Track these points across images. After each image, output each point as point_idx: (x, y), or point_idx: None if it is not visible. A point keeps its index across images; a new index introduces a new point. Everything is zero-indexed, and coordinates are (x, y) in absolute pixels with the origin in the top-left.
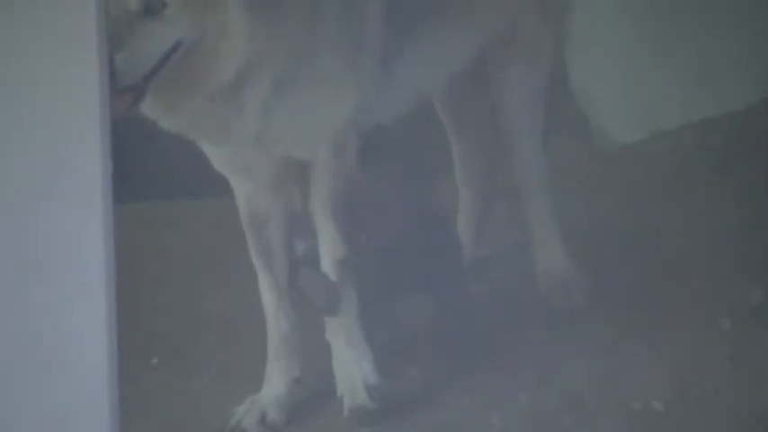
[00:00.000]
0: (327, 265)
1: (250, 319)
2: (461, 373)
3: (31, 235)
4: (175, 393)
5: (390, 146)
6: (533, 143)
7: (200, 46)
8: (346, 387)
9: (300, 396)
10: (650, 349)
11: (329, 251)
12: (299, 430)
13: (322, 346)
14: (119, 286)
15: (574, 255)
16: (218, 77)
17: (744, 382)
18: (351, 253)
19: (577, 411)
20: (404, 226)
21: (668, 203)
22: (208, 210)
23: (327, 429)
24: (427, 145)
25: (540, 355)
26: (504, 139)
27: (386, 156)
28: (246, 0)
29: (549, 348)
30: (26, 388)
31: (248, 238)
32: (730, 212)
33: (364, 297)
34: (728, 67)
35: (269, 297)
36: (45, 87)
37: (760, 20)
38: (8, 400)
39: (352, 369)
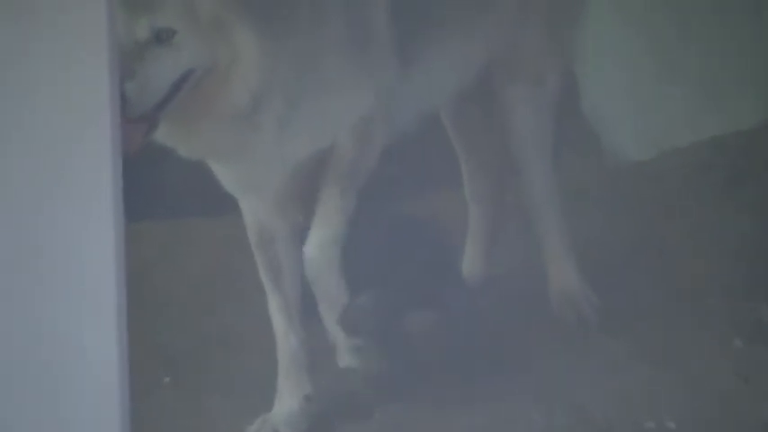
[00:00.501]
0: (313, 240)
1: (262, 336)
2: (474, 392)
3: (43, 253)
4: (187, 411)
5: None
6: (543, 162)
7: (213, 73)
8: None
9: (312, 414)
10: (663, 368)
11: (321, 227)
12: None
13: (333, 363)
14: (130, 304)
15: (585, 273)
16: (233, 103)
17: (757, 401)
18: (342, 228)
19: (590, 429)
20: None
21: (679, 221)
22: (219, 228)
23: None
24: (437, 159)
25: (553, 373)
26: (513, 157)
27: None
28: (255, 24)
29: (562, 367)
30: (37, 406)
31: (257, 257)
32: (742, 230)
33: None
34: (738, 85)
35: (278, 315)
36: (57, 105)
37: None
38: (19, 418)
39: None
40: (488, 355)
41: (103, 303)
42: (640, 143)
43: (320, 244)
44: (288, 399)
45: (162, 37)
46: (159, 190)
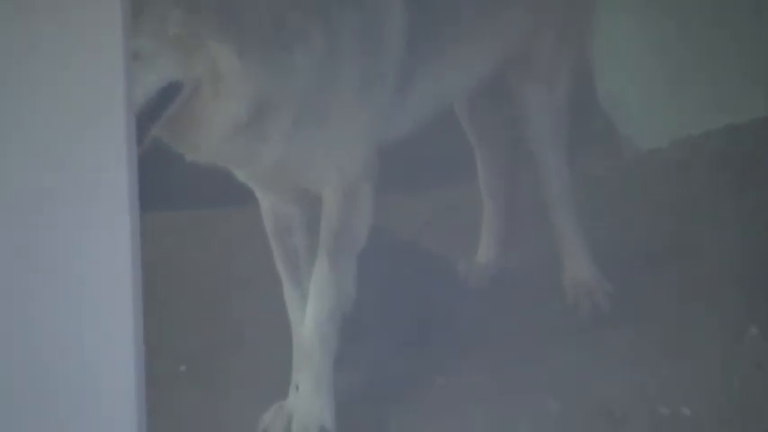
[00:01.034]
0: (308, 315)
1: (277, 326)
2: (490, 383)
3: (59, 244)
4: (203, 400)
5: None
6: (557, 157)
7: (203, 87)
8: (300, 428)
9: None
10: (678, 355)
11: (314, 301)
12: None
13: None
14: (146, 294)
15: (601, 263)
16: (230, 115)
17: None
18: (339, 300)
19: (605, 417)
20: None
21: (694, 209)
22: (236, 218)
23: None
24: (451, 153)
25: (568, 363)
26: (528, 150)
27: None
28: (236, 45)
29: (577, 356)
30: (54, 396)
31: (272, 245)
32: (757, 217)
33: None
34: (753, 73)
35: (294, 306)
36: (70, 94)
37: None
38: (35, 410)
39: (312, 416)
40: (504, 345)
41: (119, 293)
42: (653, 132)
43: (315, 321)
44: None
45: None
46: (175, 181)
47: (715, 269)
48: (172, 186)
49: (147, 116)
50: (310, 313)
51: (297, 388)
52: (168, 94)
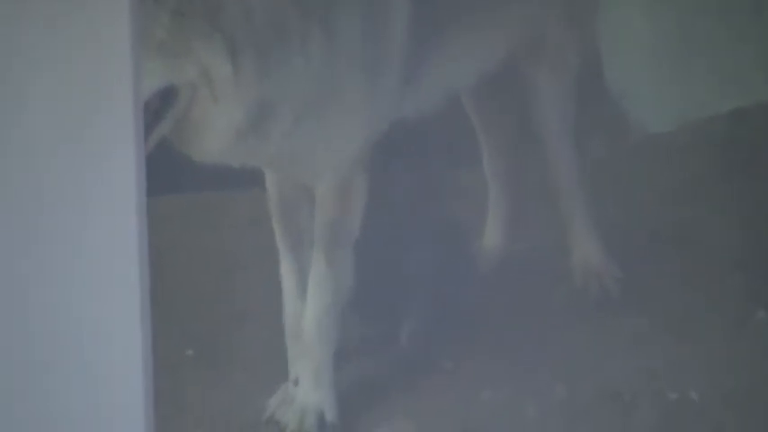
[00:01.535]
0: (308, 312)
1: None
2: (496, 365)
3: (63, 231)
4: (209, 384)
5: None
6: (564, 142)
7: (200, 92)
8: (295, 420)
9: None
10: (686, 339)
11: (312, 297)
12: None
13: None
14: (152, 278)
15: (608, 247)
16: (231, 121)
17: None
18: (336, 294)
19: (613, 401)
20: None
21: (701, 193)
22: (243, 202)
23: None
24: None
25: (575, 346)
26: (535, 136)
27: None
28: (228, 49)
29: (584, 340)
30: (61, 381)
31: (276, 223)
32: (763, 204)
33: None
34: (760, 57)
35: (289, 279)
36: (78, 79)
37: None
38: (42, 395)
39: (310, 409)
40: (511, 328)
41: (126, 278)
42: (660, 116)
43: (314, 316)
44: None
45: None
46: (181, 164)
47: (722, 253)
48: (178, 170)
49: (145, 121)
50: (310, 308)
51: (296, 382)
52: (164, 98)
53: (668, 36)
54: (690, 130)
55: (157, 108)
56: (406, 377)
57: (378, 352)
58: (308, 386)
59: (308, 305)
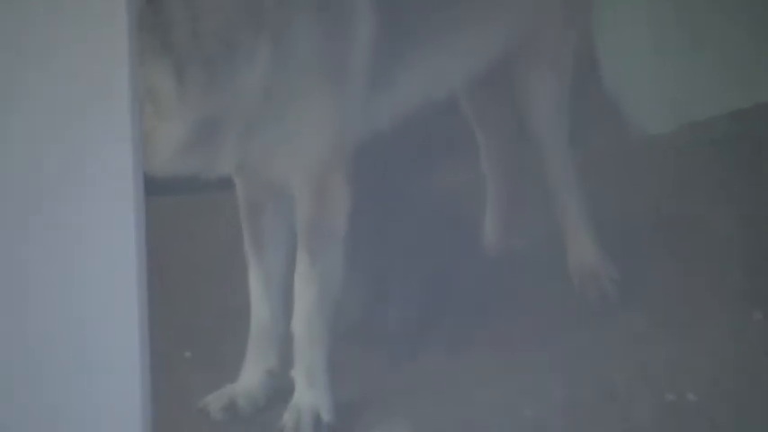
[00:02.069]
0: (296, 314)
1: None
2: (493, 365)
3: (61, 230)
4: (207, 386)
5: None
6: (560, 142)
7: (146, 106)
8: (291, 419)
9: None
10: (684, 341)
11: (300, 299)
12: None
13: None
14: (150, 279)
15: (605, 247)
16: (172, 139)
17: None
18: (324, 293)
19: (610, 402)
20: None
21: (699, 194)
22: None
23: None
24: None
25: (573, 348)
26: (531, 133)
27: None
28: (173, 66)
29: (582, 340)
30: (57, 383)
31: (244, 228)
32: (762, 202)
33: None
34: (760, 58)
35: (256, 285)
36: (75, 78)
37: None
38: (40, 396)
39: (306, 408)
40: (508, 327)
41: (124, 279)
42: (659, 116)
43: (304, 319)
44: (251, 371)
45: None
46: None
47: (720, 255)
48: None
49: None
50: (298, 310)
51: (270, 373)
52: None
53: (668, 36)
54: (688, 130)
55: None
56: (404, 377)
57: (375, 352)
58: (301, 386)
59: (296, 305)
